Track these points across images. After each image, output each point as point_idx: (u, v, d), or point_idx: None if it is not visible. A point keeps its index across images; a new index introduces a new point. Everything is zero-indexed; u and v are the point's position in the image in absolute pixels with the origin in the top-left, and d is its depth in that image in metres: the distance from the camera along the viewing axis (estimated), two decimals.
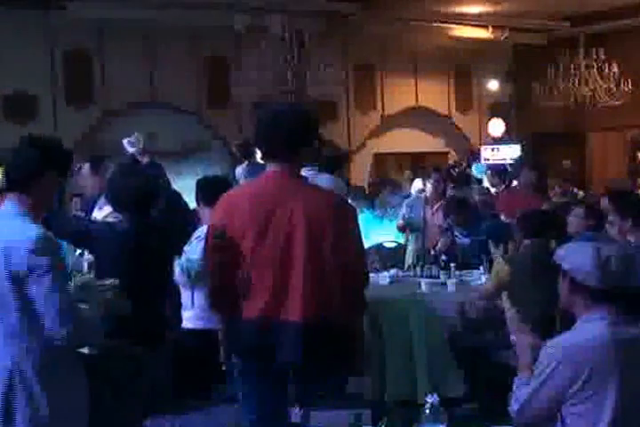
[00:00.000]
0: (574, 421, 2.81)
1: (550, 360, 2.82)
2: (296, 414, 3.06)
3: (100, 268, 4.24)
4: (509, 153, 13.62)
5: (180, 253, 5.04)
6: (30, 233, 2.88)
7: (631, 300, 2.86)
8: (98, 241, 4.28)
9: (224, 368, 3.76)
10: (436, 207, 7.69)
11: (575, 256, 2.87)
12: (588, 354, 2.79)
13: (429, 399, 2.83)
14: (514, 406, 2.92)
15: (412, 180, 11.54)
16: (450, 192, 8.93)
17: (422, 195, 8.23)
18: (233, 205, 3.46)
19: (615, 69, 12.77)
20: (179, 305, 5.11)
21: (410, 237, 7.86)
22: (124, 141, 6.59)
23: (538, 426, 2.92)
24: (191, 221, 5.79)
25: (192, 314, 5.10)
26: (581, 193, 10.82)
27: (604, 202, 5.80)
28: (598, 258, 2.81)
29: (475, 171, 12.14)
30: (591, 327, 2.85)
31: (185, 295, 5.14)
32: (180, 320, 5.09)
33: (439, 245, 7.06)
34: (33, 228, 2.92)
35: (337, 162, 6.56)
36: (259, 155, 8.19)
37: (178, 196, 6.28)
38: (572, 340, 2.87)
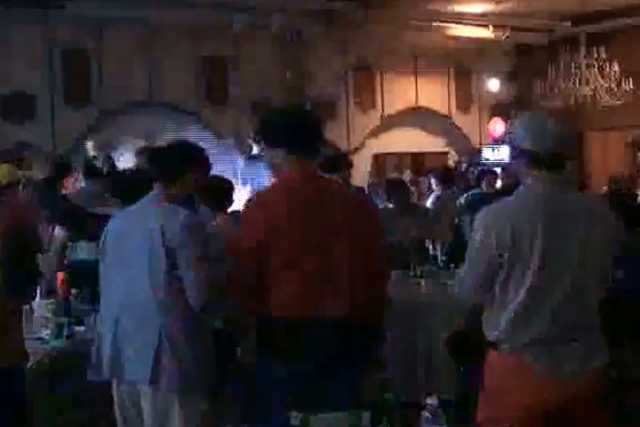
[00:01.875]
0: (503, 289, 2.91)
1: (479, 226, 2.95)
2: (295, 416, 3.01)
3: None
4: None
5: None
6: (181, 215, 3.50)
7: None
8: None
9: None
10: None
11: (517, 124, 3.05)
12: (510, 211, 2.92)
13: (430, 401, 2.80)
14: (455, 284, 3.11)
15: (412, 180, 11.52)
16: (437, 193, 8.99)
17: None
18: (270, 205, 3.36)
19: (616, 69, 12.75)
20: None
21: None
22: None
23: (478, 296, 3.03)
24: None
25: None
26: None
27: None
28: (533, 123, 3.01)
29: None
30: (521, 191, 3.00)
31: None
32: None
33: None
34: (182, 211, 3.54)
35: (336, 162, 6.50)
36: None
37: None
38: (497, 204, 3.02)
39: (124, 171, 4.78)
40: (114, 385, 3.60)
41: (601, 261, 2.96)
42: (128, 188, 4.37)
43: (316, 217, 3.32)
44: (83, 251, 5.98)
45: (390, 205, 7.40)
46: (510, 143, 3.06)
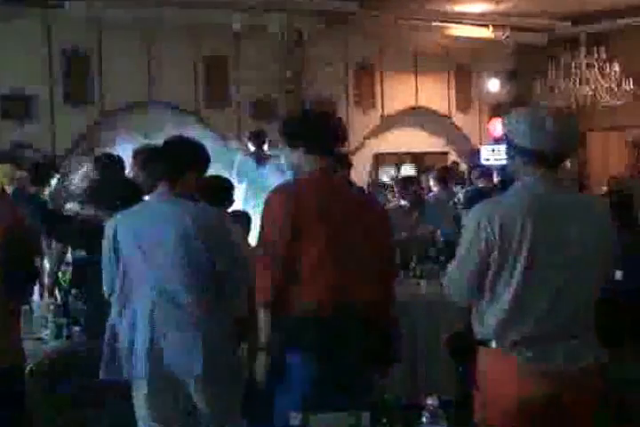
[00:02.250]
0: (492, 287, 2.89)
1: (469, 223, 2.93)
2: (295, 416, 3.01)
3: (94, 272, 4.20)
4: None
5: None
6: (213, 211, 3.71)
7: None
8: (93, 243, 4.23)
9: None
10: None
11: (514, 121, 2.96)
12: (500, 209, 2.88)
13: (429, 401, 2.80)
14: (447, 287, 3.07)
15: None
16: (435, 194, 8.98)
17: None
18: (299, 203, 3.45)
19: (616, 69, 12.76)
20: None
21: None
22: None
23: (467, 294, 3.00)
24: None
25: None
26: None
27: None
28: (532, 120, 2.90)
29: None
30: (514, 188, 2.96)
31: None
32: None
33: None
34: (210, 208, 3.74)
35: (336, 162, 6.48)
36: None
37: None
38: (489, 201, 3.01)
39: (114, 179, 4.70)
40: (140, 382, 3.62)
41: (597, 262, 2.94)
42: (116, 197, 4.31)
43: (337, 210, 3.47)
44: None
45: (402, 202, 7.38)
46: (507, 140, 3.01)
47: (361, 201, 3.66)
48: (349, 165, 6.73)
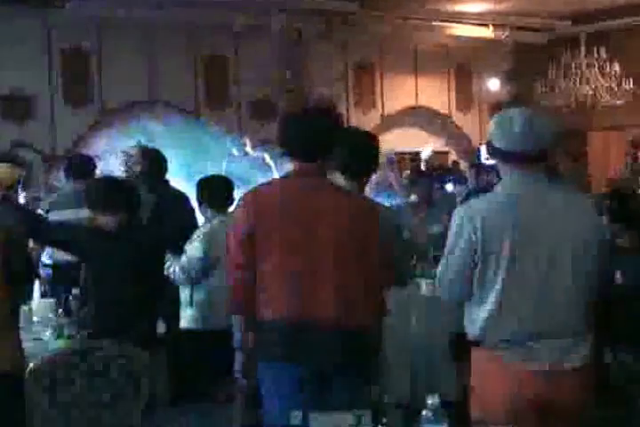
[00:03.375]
0: (479, 286, 2.92)
1: (454, 224, 2.96)
2: (295, 416, 3.01)
3: (91, 274, 4.21)
4: None
5: (178, 253, 5.01)
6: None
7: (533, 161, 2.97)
8: (86, 246, 4.24)
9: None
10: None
11: (492, 124, 3.01)
12: (482, 209, 2.92)
13: (430, 401, 2.80)
14: (436, 282, 3.09)
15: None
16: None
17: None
18: (262, 204, 3.39)
19: (617, 68, 12.75)
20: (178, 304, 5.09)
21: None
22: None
23: (455, 294, 3.03)
24: (192, 220, 5.76)
25: (190, 314, 5.07)
26: None
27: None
28: (501, 121, 2.97)
29: None
30: (497, 188, 3.02)
31: (184, 294, 5.11)
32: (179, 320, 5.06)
33: None
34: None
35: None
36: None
37: (177, 196, 6.24)
38: (472, 201, 3.08)
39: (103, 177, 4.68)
40: None
41: (584, 261, 2.93)
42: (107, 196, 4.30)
43: (301, 216, 3.32)
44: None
45: (413, 197, 7.28)
46: (487, 141, 3.06)
47: (343, 205, 3.40)
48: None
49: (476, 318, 2.96)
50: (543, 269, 2.88)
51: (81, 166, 6.14)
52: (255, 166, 8.12)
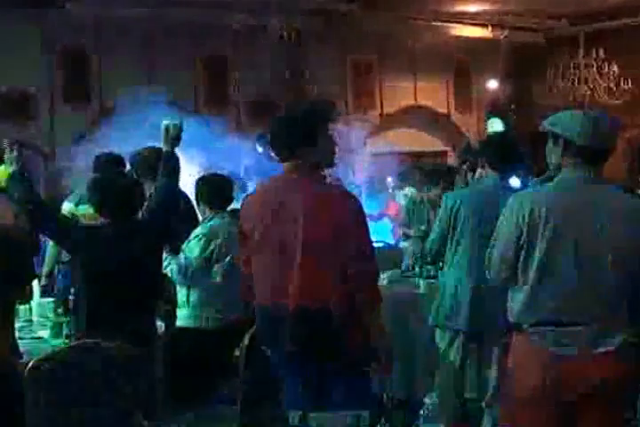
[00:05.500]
0: (522, 271, 3.06)
1: (506, 210, 3.12)
2: (294, 415, 3.03)
3: (84, 271, 4.21)
4: None
5: (176, 252, 5.02)
6: None
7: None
8: (82, 244, 4.23)
9: None
10: None
11: (570, 119, 3.22)
12: (532, 196, 3.10)
13: (428, 400, 2.81)
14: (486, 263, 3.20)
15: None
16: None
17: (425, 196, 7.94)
18: (249, 204, 3.80)
19: (615, 68, 12.76)
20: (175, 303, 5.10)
21: (412, 239, 7.77)
22: None
23: (499, 277, 3.16)
24: (192, 220, 5.75)
25: (187, 313, 5.07)
26: None
27: None
28: (585, 119, 3.16)
29: None
30: (555, 179, 3.17)
31: (181, 294, 5.12)
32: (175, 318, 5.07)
33: None
34: None
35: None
36: None
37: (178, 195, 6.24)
38: (526, 190, 3.29)
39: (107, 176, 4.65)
40: None
41: (625, 258, 3.01)
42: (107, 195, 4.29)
43: (274, 209, 3.63)
44: None
45: (434, 192, 7.24)
46: (553, 133, 3.19)
47: (313, 198, 3.59)
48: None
49: (515, 301, 3.07)
50: (582, 260, 2.98)
51: (108, 164, 6.11)
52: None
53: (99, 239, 4.21)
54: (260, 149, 8.73)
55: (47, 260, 6.08)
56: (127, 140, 8.81)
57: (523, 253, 3.03)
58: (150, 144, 5.79)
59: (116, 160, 6.14)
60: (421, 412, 2.82)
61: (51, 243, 6.01)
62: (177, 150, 4.53)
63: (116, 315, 4.12)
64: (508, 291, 3.14)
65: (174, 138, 4.51)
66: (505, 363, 3.25)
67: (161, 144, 4.59)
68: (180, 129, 4.53)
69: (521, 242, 3.02)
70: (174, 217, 4.53)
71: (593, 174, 3.09)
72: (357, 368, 3.53)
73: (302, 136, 3.64)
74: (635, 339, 3.04)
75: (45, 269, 6.05)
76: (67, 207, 6.04)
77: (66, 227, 4.32)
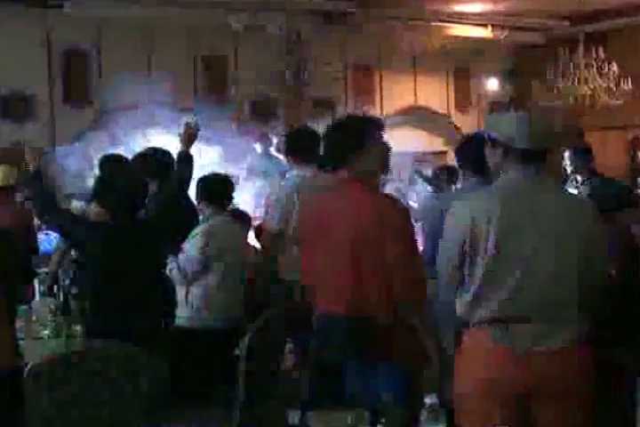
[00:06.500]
0: (468, 274, 3.10)
1: (449, 216, 3.17)
2: (294, 415, 3.03)
3: (88, 268, 4.21)
4: None
5: (175, 251, 5.02)
6: None
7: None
8: (89, 240, 4.23)
9: None
10: None
11: (502, 120, 3.22)
12: (473, 202, 3.15)
13: (429, 400, 2.81)
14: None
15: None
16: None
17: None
18: (305, 212, 4.11)
19: (615, 69, 12.74)
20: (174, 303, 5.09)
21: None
22: None
23: (448, 282, 3.22)
24: (193, 219, 5.76)
25: (186, 312, 5.07)
26: None
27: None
28: (514, 119, 3.17)
29: None
30: (494, 183, 3.21)
31: (180, 293, 5.11)
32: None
33: None
34: None
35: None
36: None
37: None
38: (467, 195, 3.39)
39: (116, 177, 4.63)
40: None
41: (569, 255, 3.04)
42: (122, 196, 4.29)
43: (322, 216, 3.77)
44: None
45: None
46: (491, 137, 3.17)
47: (371, 208, 3.68)
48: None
49: (462, 300, 3.12)
50: (529, 261, 3.01)
51: (115, 164, 6.11)
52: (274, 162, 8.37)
53: (104, 235, 4.21)
54: (258, 150, 8.78)
55: (52, 260, 6.06)
56: (127, 140, 8.84)
57: (467, 256, 3.06)
58: (150, 144, 5.79)
59: (120, 160, 6.15)
60: (422, 412, 2.81)
61: (55, 244, 6.03)
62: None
63: (121, 313, 4.13)
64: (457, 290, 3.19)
65: (190, 137, 4.54)
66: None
67: (161, 144, 4.60)
68: (196, 129, 4.56)
69: (465, 246, 3.05)
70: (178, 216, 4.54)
71: (534, 176, 3.09)
72: (403, 368, 3.61)
73: (351, 144, 3.73)
74: (586, 335, 3.08)
75: (51, 269, 6.05)
76: (77, 205, 6.06)
77: (76, 224, 4.32)
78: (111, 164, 6.03)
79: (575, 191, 7.62)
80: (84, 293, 4.39)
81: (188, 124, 4.51)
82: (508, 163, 3.10)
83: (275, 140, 10.22)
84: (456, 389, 3.17)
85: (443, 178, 8.95)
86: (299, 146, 5.48)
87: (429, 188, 9.45)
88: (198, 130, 4.55)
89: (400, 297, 3.66)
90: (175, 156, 4.68)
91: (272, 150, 10.25)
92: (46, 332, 4.53)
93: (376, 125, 3.87)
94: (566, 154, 7.95)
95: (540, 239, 3.00)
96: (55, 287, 5.65)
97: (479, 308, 3.06)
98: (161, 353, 4.30)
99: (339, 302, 3.62)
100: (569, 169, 7.97)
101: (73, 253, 5.83)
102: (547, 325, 3.01)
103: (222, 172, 5.94)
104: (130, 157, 6.09)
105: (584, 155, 7.92)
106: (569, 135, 12.42)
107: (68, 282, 5.47)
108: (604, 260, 3.23)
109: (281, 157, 9.74)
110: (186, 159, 4.51)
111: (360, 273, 3.61)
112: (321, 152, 4.38)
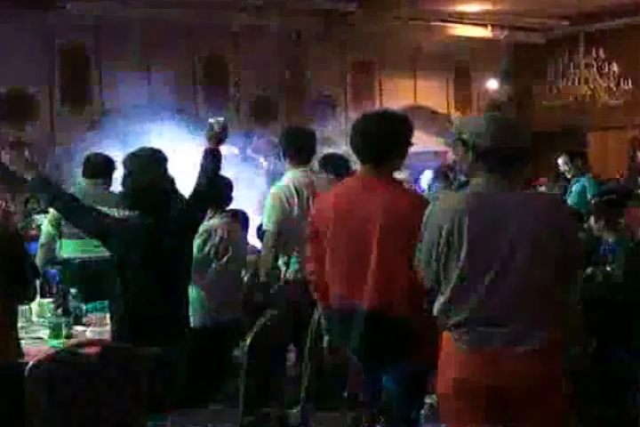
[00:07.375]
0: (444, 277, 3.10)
1: (425, 217, 3.16)
2: (294, 414, 3.03)
3: (119, 266, 4.20)
4: None
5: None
6: None
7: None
8: (116, 239, 4.22)
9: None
10: None
11: (466, 124, 3.22)
12: (445, 207, 3.12)
13: (428, 400, 2.81)
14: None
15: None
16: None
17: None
18: (322, 204, 3.89)
19: (615, 68, 12.76)
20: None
21: None
22: None
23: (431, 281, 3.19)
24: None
25: (193, 312, 5.06)
26: None
27: None
28: (477, 124, 3.14)
29: None
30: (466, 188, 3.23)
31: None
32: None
33: None
34: None
35: (335, 162, 6.49)
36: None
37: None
38: (438, 201, 3.27)
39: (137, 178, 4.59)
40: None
41: (541, 257, 3.04)
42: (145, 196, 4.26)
43: (349, 211, 3.70)
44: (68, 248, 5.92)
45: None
46: (461, 140, 3.17)
47: (398, 207, 3.66)
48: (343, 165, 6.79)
49: (438, 301, 3.13)
50: (501, 264, 3.01)
51: (98, 166, 6.09)
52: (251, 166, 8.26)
53: (129, 231, 4.20)
54: (235, 152, 8.71)
55: (38, 257, 6.00)
56: (127, 140, 8.83)
57: (443, 258, 3.08)
58: (150, 144, 5.77)
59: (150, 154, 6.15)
60: (422, 412, 2.82)
61: (38, 244, 6.01)
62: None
63: (151, 313, 4.13)
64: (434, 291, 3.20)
65: (219, 135, 4.49)
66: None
67: (160, 144, 4.58)
68: (224, 126, 4.51)
69: (440, 248, 3.07)
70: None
71: (501, 180, 3.08)
72: (418, 368, 3.59)
73: (399, 150, 3.79)
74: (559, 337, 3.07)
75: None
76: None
77: (99, 222, 4.29)
78: (140, 159, 5.98)
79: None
80: (125, 293, 4.29)
81: (211, 125, 4.46)
82: (478, 167, 3.11)
83: (255, 140, 10.18)
84: (437, 389, 3.20)
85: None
86: (296, 146, 5.47)
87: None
88: (225, 129, 4.48)
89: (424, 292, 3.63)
90: (202, 153, 4.63)
91: (249, 152, 10.16)
92: (46, 332, 4.53)
93: (412, 133, 3.97)
94: (561, 160, 8.03)
95: (514, 242, 3.01)
96: (55, 288, 5.64)
97: (453, 310, 3.08)
98: (182, 354, 4.29)
99: (362, 294, 3.61)
100: (568, 175, 8.08)
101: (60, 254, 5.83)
102: (519, 327, 3.01)
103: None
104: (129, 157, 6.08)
105: (580, 159, 8.06)
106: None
107: (57, 280, 5.47)
108: (579, 258, 3.27)
109: (261, 158, 9.73)
110: (212, 156, 4.46)
111: (387, 266, 3.61)
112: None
